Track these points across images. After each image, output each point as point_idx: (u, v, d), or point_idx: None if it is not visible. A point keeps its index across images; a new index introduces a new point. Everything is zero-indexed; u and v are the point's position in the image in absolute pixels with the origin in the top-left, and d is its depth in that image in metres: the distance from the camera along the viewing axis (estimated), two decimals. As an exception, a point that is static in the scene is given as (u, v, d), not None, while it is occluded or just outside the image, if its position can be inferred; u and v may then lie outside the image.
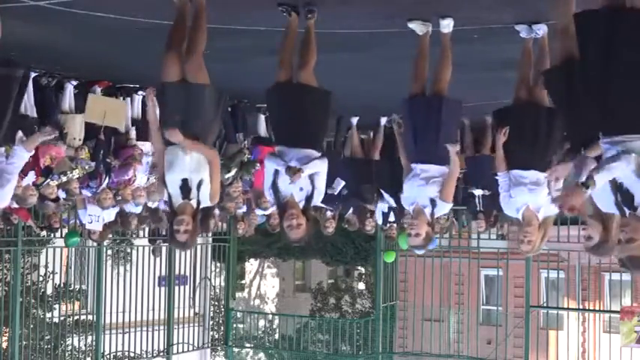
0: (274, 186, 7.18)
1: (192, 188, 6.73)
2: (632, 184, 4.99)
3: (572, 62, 6.02)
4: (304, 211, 7.11)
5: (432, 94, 7.92)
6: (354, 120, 14.33)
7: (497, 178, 7.86)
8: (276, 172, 7.20)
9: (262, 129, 13.82)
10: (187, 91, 6.98)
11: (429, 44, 8.00)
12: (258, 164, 12.98)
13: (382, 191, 12.77)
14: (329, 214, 14.31)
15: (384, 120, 14.03)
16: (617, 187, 5.06)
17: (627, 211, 5.04)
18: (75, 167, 10.83)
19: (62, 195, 11.30)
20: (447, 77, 7.92)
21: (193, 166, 6.75)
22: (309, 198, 7.14)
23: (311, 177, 7.16)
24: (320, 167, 7.27)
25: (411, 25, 7.96)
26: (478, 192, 14.00)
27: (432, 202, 7.51)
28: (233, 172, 12.66)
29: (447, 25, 7.91)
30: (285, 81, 7.60)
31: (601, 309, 23.78)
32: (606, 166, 4.96)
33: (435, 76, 7.96)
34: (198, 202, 6.74)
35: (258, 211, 14.12)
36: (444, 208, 7.72)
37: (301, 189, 7.13)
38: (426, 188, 7.55)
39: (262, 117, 13.83)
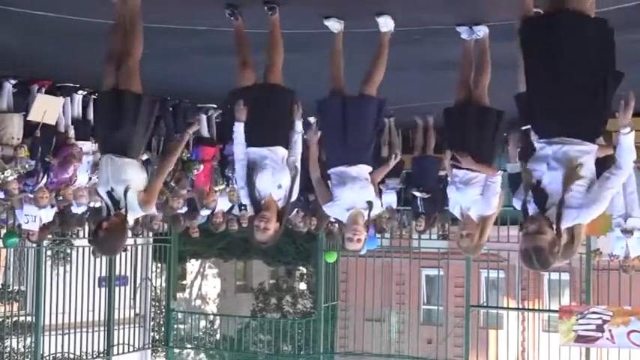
0: (249, 180, 6.99)
1: (120, 198, 6.65)
2: (555, 186, 5.09)
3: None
4: (280, 212, 6.94)
5: (360, 94, 7.71)
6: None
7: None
8: (254, 167, 7.03)
9: (204, 129, 13.77)
10: (117, 100, 6.93)
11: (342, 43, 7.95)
12: (201, 164, 12.96)
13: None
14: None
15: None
16: (530, 186, 5.19)
17: (537, 212, 5.14)
18: (8, 167, 10.72)
19: (1, 195, 11.20)
20: (379, 78, 7.72)
21: (114, 176, 6.71)
22: (287, 197, 7.00)
23: (291, 172, 7.05)
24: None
25: (327, 23, 7.90)
26: (418, 194, 14.08)
27: (370, 204, 7.32)
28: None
29: (384, 24, 7.79)
30: (249, 85, 7.47)
31: (540, 308, 24.00)
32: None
33: (367, 75, 7.74)
34: (126, 210, 6.65)
35: (203, 211, 14.05)
36: (378, 207, 7.58)
37: (279, 186, 6.98)
38: (366, 191, 7.37)
39: (204, 117, 13.79)
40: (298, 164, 7.20)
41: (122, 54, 6.96)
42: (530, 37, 5.48)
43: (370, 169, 7.57)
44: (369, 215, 7.33)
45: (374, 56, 7.79)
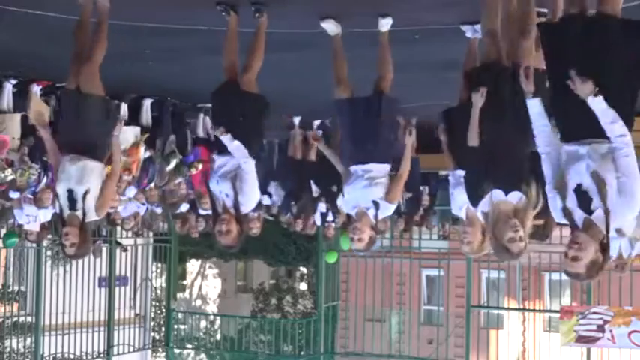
0: (209, 189, 7.24)
1: (78, 199, 6.71)
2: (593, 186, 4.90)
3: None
4: (237, 217, 7.03)
5: (372, 93, 7.75)
6: (297, 120, 14.19)
7: (449, 178, 7.75)
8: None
9: (201, 129, 13.73)
10: (77, 100, 7.02)
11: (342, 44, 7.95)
12: (200, 164, 12.93)
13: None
14: (253, 214, 14.16)
15: (317, 122, 14.02)
16: (570, 190, 4.96)
17: (583, 215, 4.94)
18: (11, 170, 10.72)
19: (15, 195, 11.22)
20: (389, 76, 7.77)
21: (78, 177, 6.75)
22: (235, 204, 7.07)
23: (232, 182, 7.11)
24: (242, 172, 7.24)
25: (324, 25, 7.89)
26: None
27: (376, 204, 7.24)
28: (172, 164, 12.60)
29: (385, 24, 7.82)
30: (225, 84, 7.54)
31: (541, 308, 23.99)
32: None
33: (378, 75, 7.80)
34: (84, 214, 6.71)
35: (201, 212, 14.03)
36: (389, 209, 7.43)
37: (227, 195, 7.09)
38: (370, 190, 7.29)
39: (202, 117, 13.76)
40: (241, 171, 7.21)
41: (85, 56, 7.04)
42: (556, 38, 5.35)
43: (388, 167, 7.53)
44: (376, 216, 7.29)
45: (379, 57, 7.84)
